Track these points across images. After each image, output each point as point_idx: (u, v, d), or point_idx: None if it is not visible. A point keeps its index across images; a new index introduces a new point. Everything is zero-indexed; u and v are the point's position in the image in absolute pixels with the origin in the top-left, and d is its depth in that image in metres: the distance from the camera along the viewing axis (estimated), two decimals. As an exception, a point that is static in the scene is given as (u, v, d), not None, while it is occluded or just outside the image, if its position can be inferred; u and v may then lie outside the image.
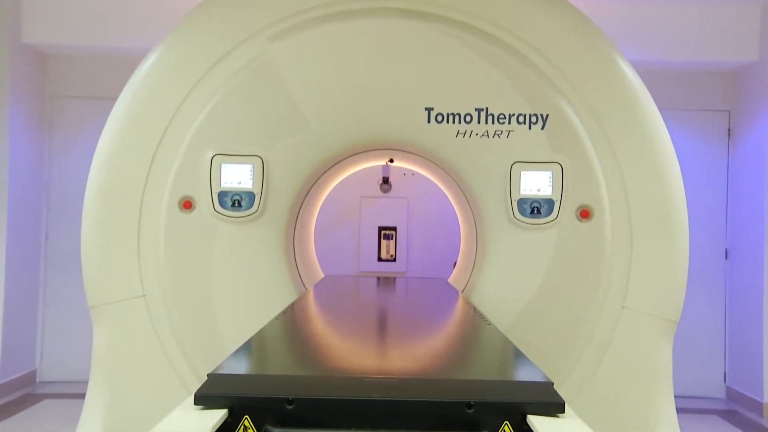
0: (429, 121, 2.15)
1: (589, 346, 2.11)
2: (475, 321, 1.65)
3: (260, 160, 2.14)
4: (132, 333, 2.11)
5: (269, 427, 0.93)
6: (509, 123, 2.13)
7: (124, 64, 3.27)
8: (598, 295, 2.11)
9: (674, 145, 2.11)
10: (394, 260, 3.41)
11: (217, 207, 2.14)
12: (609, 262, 2.11)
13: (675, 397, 2.09)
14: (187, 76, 2.11)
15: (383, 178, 3.58)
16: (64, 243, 3.95)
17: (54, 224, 4.01)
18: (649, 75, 2.98)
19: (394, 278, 2.98)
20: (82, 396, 2.12)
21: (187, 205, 2.13)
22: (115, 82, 2.69)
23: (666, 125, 2.12)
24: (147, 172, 2.11)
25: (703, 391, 4.04)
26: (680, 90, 4.09)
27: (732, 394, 4.03)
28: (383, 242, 3.42)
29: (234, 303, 2.15)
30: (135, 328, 2.11)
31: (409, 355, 1.27)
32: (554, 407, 0.95)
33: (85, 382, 2.15)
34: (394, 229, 3.42)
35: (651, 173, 2.07)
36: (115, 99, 2.17)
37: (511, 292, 2.17)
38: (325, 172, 2.41)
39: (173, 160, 2.12)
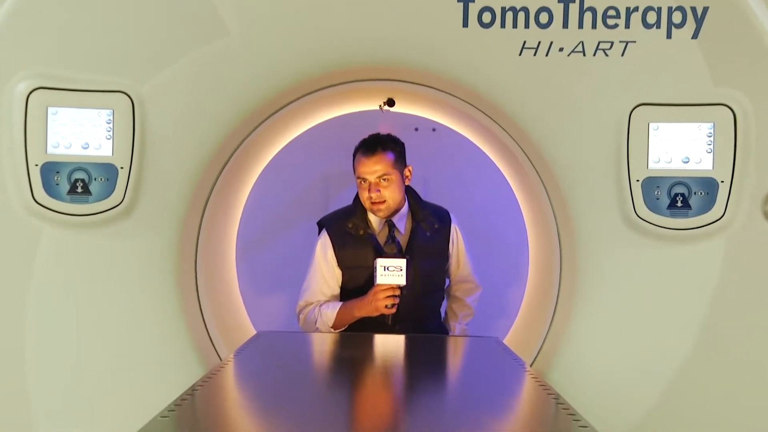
0: (466, 24, 2.15)
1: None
2: (559, 420, 1.64)
3: (128, 99, 2.14)
4: None
5: None
6: (627, 26, 2.13)
7: None
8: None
9: None
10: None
11: (39, 194, 2.14)
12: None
13: None
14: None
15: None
16: None
17: None
18: None
19: (394, 335, 2.76)
20: None
21: (-23, 190, 2.12)
22: None
23: None
24: None
25: None
26: None
27: None
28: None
29: (73, 383, 2.17)
30: None
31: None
32: None
33: None
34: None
35: None
36: None
37: (634, 365, 2.21)
38: (258, 125, 2.41)
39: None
